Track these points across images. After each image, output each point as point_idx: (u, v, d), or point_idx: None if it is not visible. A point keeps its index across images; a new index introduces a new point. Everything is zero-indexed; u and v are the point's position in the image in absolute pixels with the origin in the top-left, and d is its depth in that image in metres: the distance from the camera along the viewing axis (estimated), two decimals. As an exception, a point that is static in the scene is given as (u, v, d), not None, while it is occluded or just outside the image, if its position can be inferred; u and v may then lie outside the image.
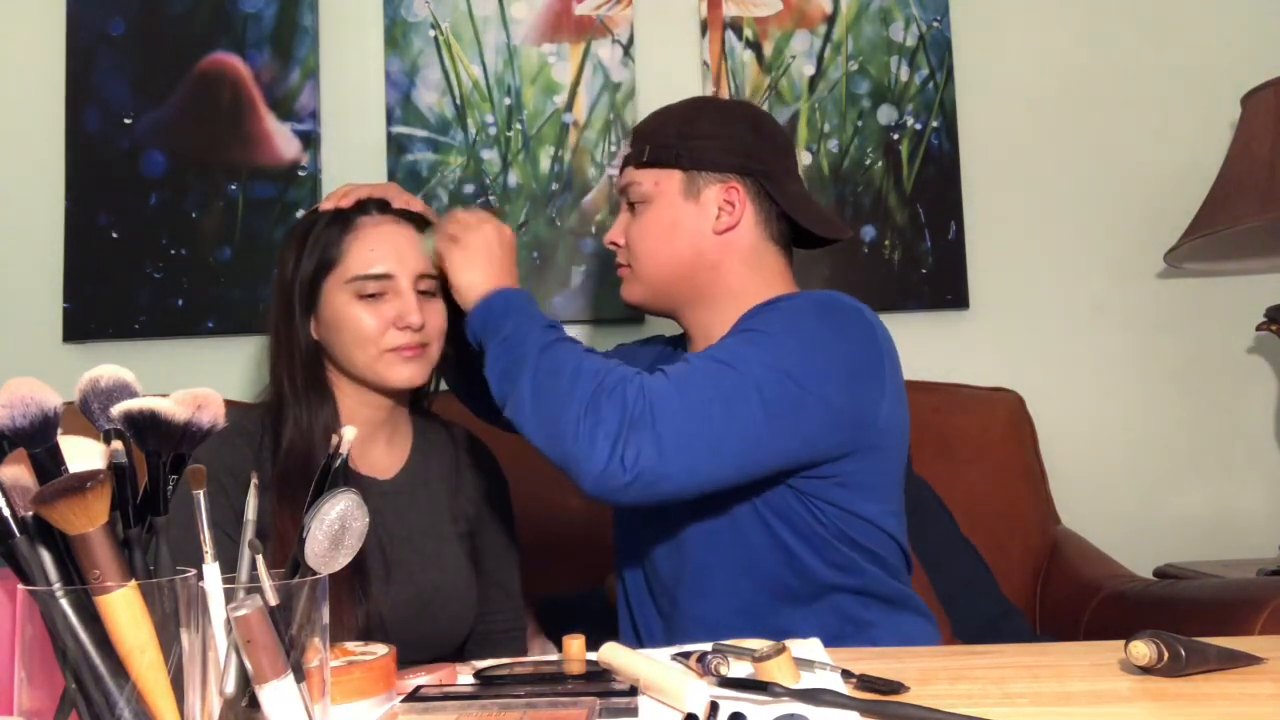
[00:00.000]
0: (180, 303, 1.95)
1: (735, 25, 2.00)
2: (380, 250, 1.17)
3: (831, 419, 1.06)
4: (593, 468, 0.96)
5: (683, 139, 1.18)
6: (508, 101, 1.98)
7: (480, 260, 1.12)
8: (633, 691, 0.77)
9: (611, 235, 1.24)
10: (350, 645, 0.80)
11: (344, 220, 1.18)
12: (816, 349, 1.06)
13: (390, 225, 1.19)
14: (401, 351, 1.16)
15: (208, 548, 0.59)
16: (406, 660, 0.83)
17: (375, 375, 1.17)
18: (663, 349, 1.35)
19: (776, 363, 1.03)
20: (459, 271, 1.12)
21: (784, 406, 1.02)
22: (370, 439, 1.22)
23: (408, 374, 1.16)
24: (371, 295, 1.15)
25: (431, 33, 2.00)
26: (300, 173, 1.97)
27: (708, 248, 1.18)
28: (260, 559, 0.58)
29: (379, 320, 1.15)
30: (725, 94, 1.98)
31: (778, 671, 0.79)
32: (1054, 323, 1.98)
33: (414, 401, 1.29)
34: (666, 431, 0.97)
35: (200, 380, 0.65)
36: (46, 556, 0.55)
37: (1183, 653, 0.78)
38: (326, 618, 0.61)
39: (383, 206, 1.20)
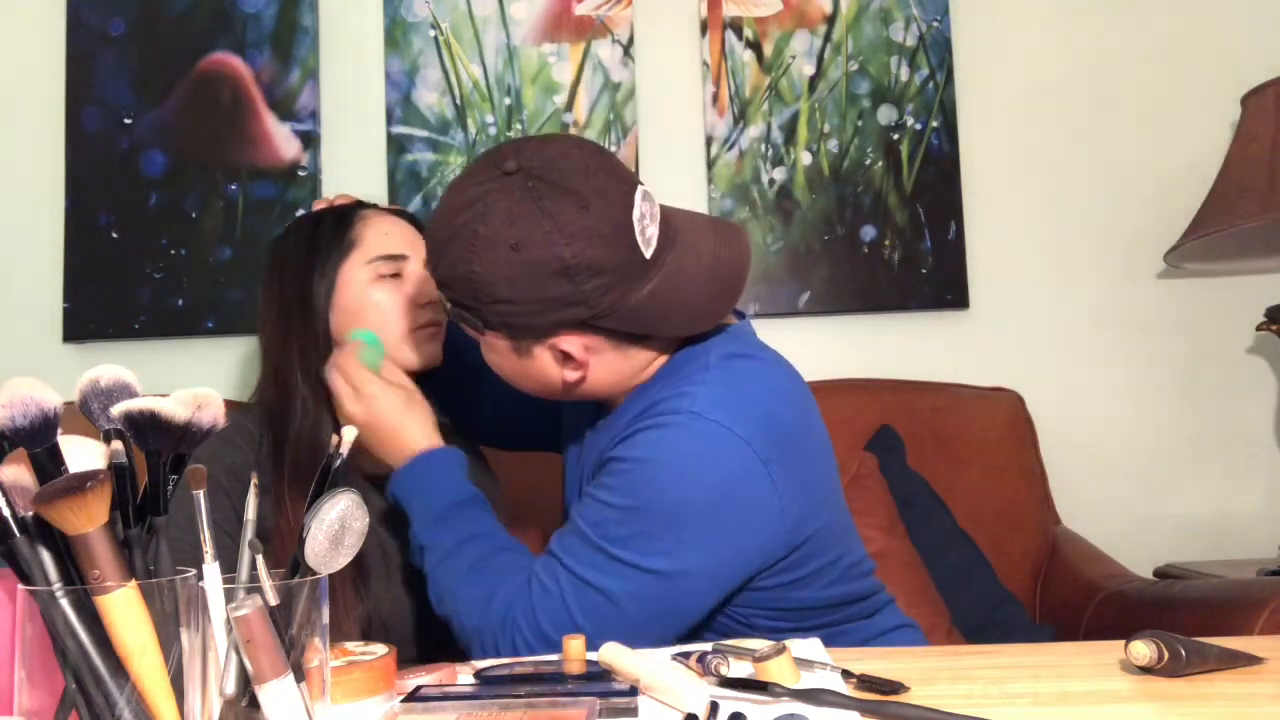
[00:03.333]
0: (180, 303, 1.95)
1: (735, 25, 2.00)
2: (395, 234, 1.22)
3: (724, 578, 1.00)
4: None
5: (481, 303, 0.97)
6: (508, 101, 1.98)
7: (375, 438, 1.10)
8: (633, 691, 0.77)
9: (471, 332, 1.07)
10: (350, 645, 0.80)
11: (349, 213, 1.23)
12: (685, 522, 0.96)
13: (394, 217, 1.25)
14: (428, 329, 1.20)
15: (208, 548, 0.59)
16: (406, 655, 0.83)
17: (404, 357, 1.18)
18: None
19: (644, 561, 0.96)
20: (369, 447, 1.11)
21: (668, 605, 0.98)
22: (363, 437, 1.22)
23: (431, 351, 1.20)
24: (390, 276, 1.19)
25: (431, 33, 2.00)
26: (300, 173, 1.97)
27: (567, 389, 1.04)
28: (260, 559, 0.58)
29: (402, 299, 1.19)
30: (725, 94, 1.98)
31: (778, 671, 0.79)
32: (1054, 323, 1.98)
33: None
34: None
35: (200, 380, 0.65)
36: (46, 556, 0.55)
37: (1183, 653, 0.78)
38: (326, 618, 0.61)
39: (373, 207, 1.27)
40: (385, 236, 1.21)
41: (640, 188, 1.00)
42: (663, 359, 1.06)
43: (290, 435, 1.15)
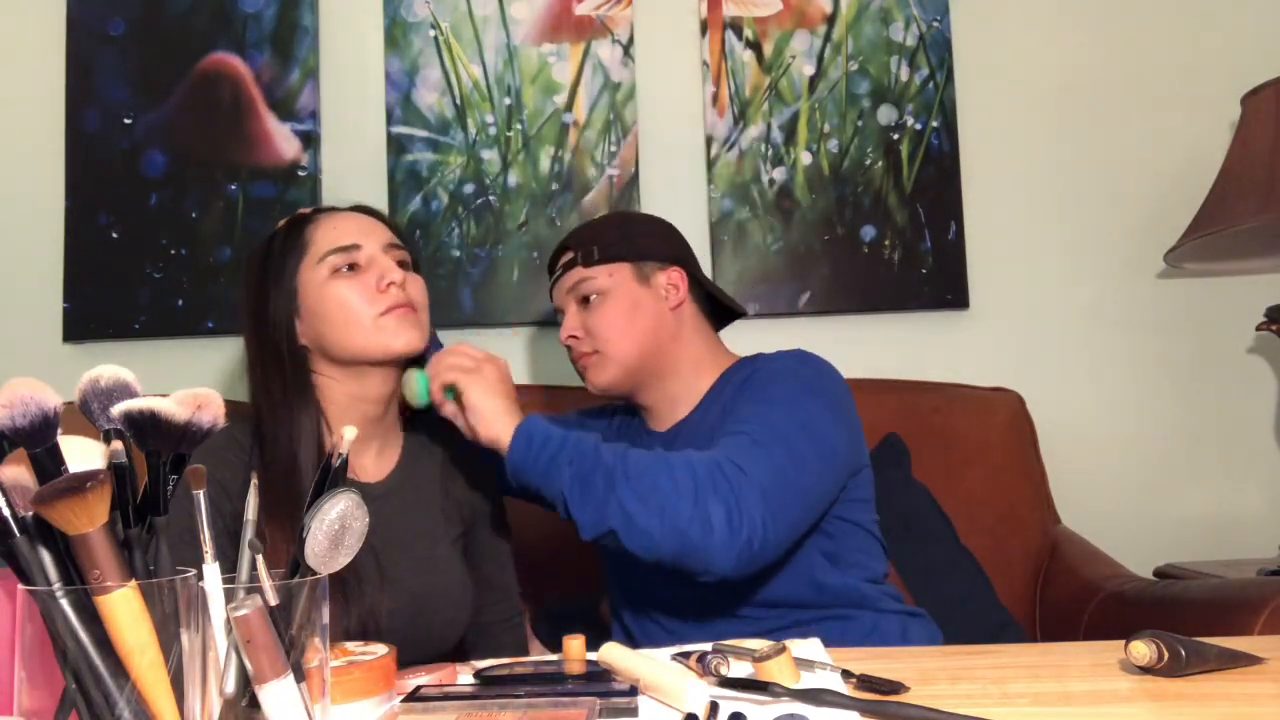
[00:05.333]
0: (180, 303, 1.95)
1: (735, 25, 2.00)
2: (344, 227, 1.20)
3: (849, 454, 1.25)
4: (722, 558, 1.07)
5: (626, 238, 1.36)
6: (508, 101, 1.98)
7: (499, 390, 1.17)
8: (633, 691, 0.77)
9: (568, 331, 1.35)
10: (350, 645, 0.80)
11: (300, 221, 1.22)
12: (826, 402, 1.24)
13: (347, 213, 1.24)
14: (394, 312, 1.16)
15: (208, 547, 0.59)
16: (403, 663, 0.83)
17: (378, 346, 1.16)
18: (622, 420, 1.46)
19: (808, 420, 1.20)
20: (481, 399, 1.16)
21: (827, 454, 1.20)
22: (361, 445, 1.21)
23: (406, 336, 1.16)
24: (348, 269, 1.17)
25: (431, 33, 2.00)
26: (300, 173, 1.97)
27: (666, 322, 1.34)
28: (260, 559, 0.58)
29: (362, 288, 1.16)
30: (725, 94, 1.98)
31: (778, 671, 0.79)
32: (1054, 323, 1.98)
33: (407, 420, 1.29)
34: (772, 504, 1.10)
35: (200, 380, 0.65)
36: (46, 556, 0.55)
37: (1183, 653, 0.78)
38: (326, 618, 0.61)
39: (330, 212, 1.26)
40: (334, 231, 1.19)
41: None
42: (725, 365, 1.36)
43: (265, 457, 1.13)
